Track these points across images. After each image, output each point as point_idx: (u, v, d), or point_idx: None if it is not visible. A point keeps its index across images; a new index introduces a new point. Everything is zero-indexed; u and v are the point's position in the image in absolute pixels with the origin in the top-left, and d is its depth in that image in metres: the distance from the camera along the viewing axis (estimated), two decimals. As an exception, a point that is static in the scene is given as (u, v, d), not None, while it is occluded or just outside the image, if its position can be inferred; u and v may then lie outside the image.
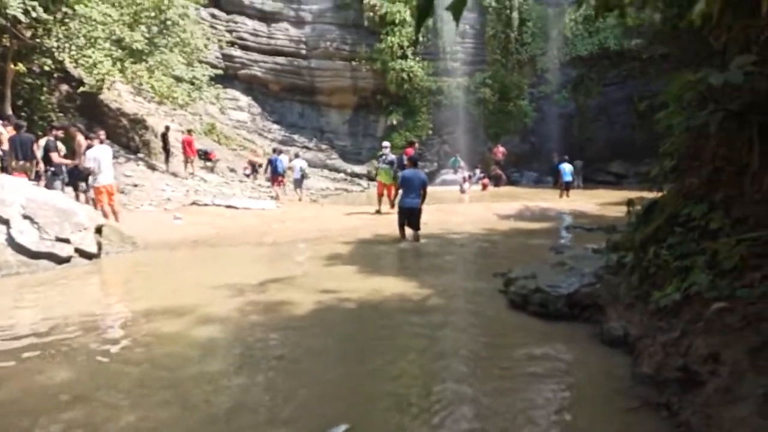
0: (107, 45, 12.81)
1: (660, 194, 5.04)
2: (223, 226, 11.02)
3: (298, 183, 18.65)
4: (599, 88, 29.63)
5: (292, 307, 5.11)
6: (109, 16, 12.74)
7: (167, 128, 19.31)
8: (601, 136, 29.62)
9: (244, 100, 27.94)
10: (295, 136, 28.57)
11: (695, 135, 4.18)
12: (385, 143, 13.25)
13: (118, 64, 13.12)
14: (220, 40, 26.08)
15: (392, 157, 12.89)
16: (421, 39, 28.00)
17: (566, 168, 18.75)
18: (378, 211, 12.87)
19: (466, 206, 14.51)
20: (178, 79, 15.81)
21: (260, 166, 22.42)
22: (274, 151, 20.03)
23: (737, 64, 3.02)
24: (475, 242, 9.54)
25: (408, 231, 9.55)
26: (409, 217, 9.44)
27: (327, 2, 28.43)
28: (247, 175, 22.65)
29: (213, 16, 26.52)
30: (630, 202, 4.78)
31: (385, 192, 13.13)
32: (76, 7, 12.36)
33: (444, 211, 13.04)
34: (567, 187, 18.66)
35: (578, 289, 4.55)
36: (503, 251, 8.56)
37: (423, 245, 9.40)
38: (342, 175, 27.80)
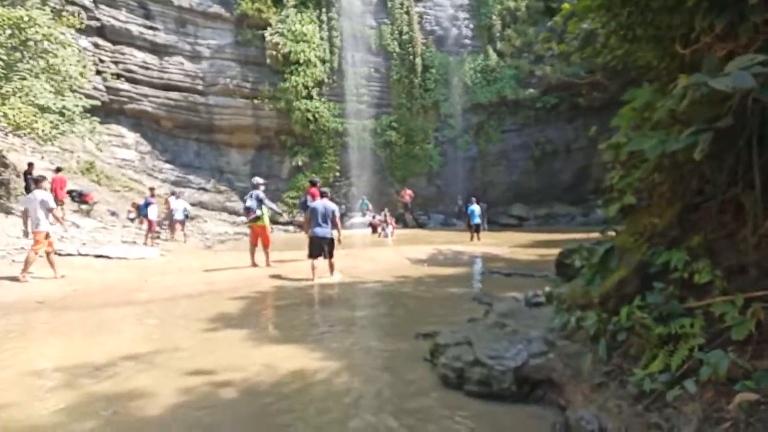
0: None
1: (604, 236, 4.33)
2: (86, 281, 9.01)
3: (181, 224, 17.26)
4: (499, 134, 30.86)
5: (143, 403, 3.62)
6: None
7: (30, 165, 16.57)
8: (502, 180, 30.64)
9: (131, 136, 25.36)
10: (191, 177, 26.34)
11: (655, 165, 3.47)
12: (255, 178, 11.29)
13: (-43, 87, 10.78)
14: (102, 72, 23.71)
15: (259, 194, 10.63)
16: (326, 80, 27.49)
17: (475, 210, 18.59)
18: (253, 264, 10.73)
19: (376, 251, 13.51)
20: (43, 109, 13.52)
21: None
22: (173, 193, 18.55)
23: (737, 65, 2.26)
24: (390, 292, 8.48)
25: (322, 265, 9.61)
26: (321, 245, 9.50)
27: (226, 38, 27.14)
28: (132, 219, 20.16)
29: (96, 45, 24.08)
30: (579, 249, 3.95)
31: (260, 240, 10.87)
32: None
33: (353, 256, 11.92)
34: (476, 229, 18.46)
35: (527, 361, 3.57)
36: (422, 302, 7.56)
37: (329, 296, 8.18)
38: (242, 218, 25.82)
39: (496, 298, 6.94)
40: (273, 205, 11.68)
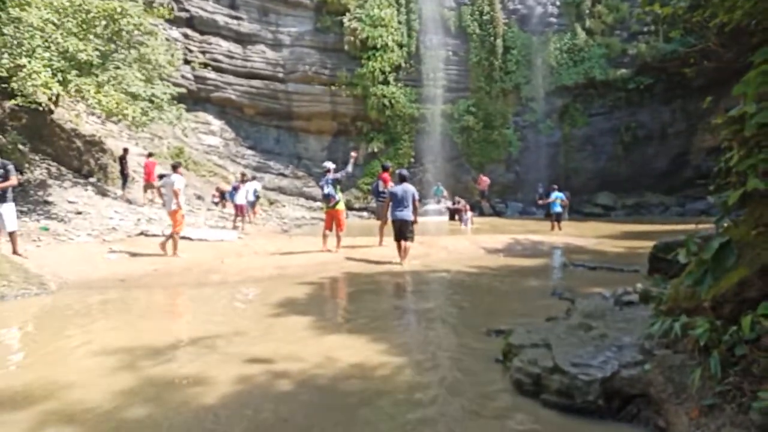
0: (47, 55, 11.26)
1: (719, 229, 3.64)
2: (167, 261, 9.37)
3: (250, 205, 17.55)
4: (585, 118, 28.95)
5: (199, 391, 3.51)
6: (51, 22, 11.25)
7: (125, 151, 17.72)
8: (587, 167, 28.78)
9: (217, 124, 26.47)
10: (271, 163, 27.10)
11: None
12: (326, 163, 11.13)
13: (59, 76, 11.54)
14: (191, 61, 24.83)
15: (333, 177, 10.54)
16: (403, 65, 27.09)
17: (556, 198, 17.49)
18: (325, 249, 10.69)
19: (450, 239, 13.04)
20: (134, 96, 14.28)
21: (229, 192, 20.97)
22: (244, 178, 18.87)
23: None
24: (462, 283, 8.04)
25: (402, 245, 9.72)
26: (401, 228, 9.66)
27: (306, 25, 27.46)
28: (216, 203, 21.06)
29: (186, 36, 25.28)
30: (688, 241, 3.32)
31: (334, 225, 10.77)
32: (11, 10, 10.87)
33: (426, 243, 11.54)
34: (557, 218, 17.37)
35: (618, 371, 3.04)
36: (495, 295, 7.07)
37: (398, 284, 7.90)
38: (319, 203, 26.27)
39: (579, 295, 6.31)
40: (345, 173, 11.19)
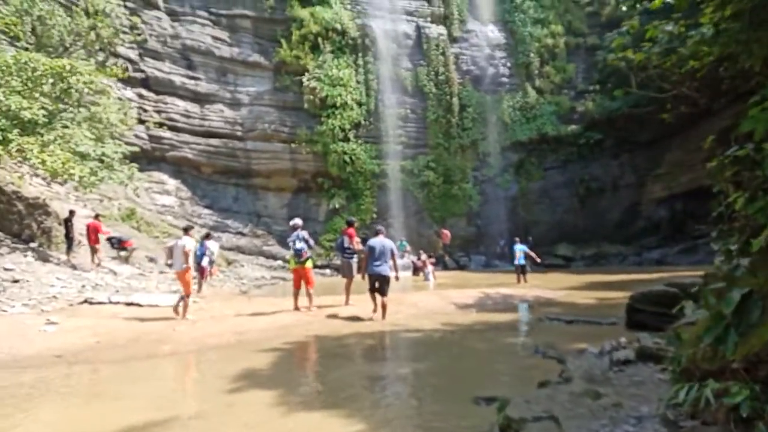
0: (-14, 113, 10.58)
1: (724, 273, 3.38)
2: (112, 331, 8.47)
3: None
4: (540, 171, 29.84)
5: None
6: (-10, 79, 10.66)
7: (71, 213, 16.63)
8: (545, 219, 29.36)
9: (172, 183, 25.66)
10: (228, 222, 26.26)
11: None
12: (295, 220, 10.87)
13: (-1, 135, 10.82)
14: (145, 121, 24.27)
15: (299, 234, 10.19)
16: (362, 122, 27.39)
17: (520, 250, 17.46)
18: (296, 308, 10.35)
19: (419, 295, 12.60)
20: (83, 156, 13.56)
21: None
22: (207, 236, 17.61)
23: None
24: (437, 343, 7.56)
25: (378, 300, 9.67)
26: (378, 282, 9.55)
27: (265, 84, 27.60)
28: (170, 266, 19.90)
29: (140, 96, 24.81)
30: (703, 292, 3.03)
31: (303, 283, 10.34)
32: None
33: (395, 301, 11.01)
34: (523, 271, 17.29)
35: (642, 449, 2.63)
36: (475, 355, 6.61)
37: (370, 347, 7.34)
38: (279, 262, 25.44)
39: (564, 352, 5.94)
40: (312, 245, 11.05)
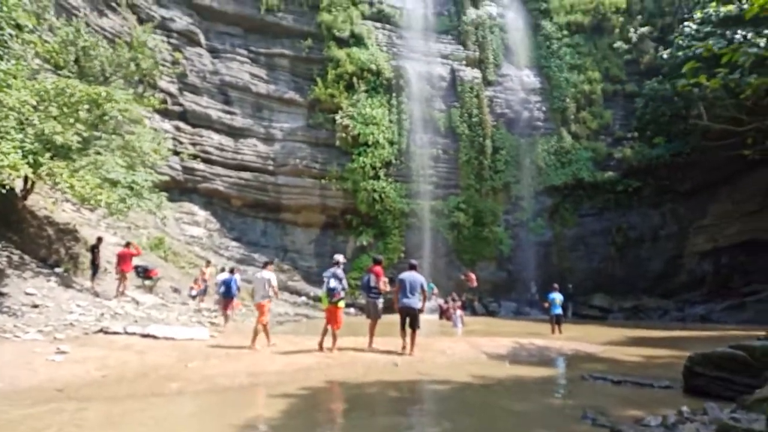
0: (19, 136, 10.61)
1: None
2: (121, 364, 8.01)
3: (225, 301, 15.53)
4: (575, 218, 28.88)
5: None
6: (27, 103, 10.73)
7: (99, 240, 16.61)
8: (581, 267, 28.19)
9: (202, 214, 25.75)
10: (255, 255, 26.02)
11: None
12: (337, 256, 10.44)
13: (30, 158, 10.80)
14: (180, 152, 24.61)
15: (335, 272, 9.81)
16: (393, 161, 27.20)
17: (556, 299, 16.47)
18: (320, 348, 9.83)
19: (447, 342, 11.79)
20: (113, 183, 13.54)
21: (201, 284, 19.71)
22: (231, 270, 17.12)
23: None
24: (468, 399, 6.80)
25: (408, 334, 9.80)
26: (408, 316, 9.70)
27: (299, 121, 27.89)
28: (193, 297, 19.63)
29: (177, 128, 25.30)
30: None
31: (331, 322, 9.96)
32: (-12, 89, 10.39)
33: (422, 347, 10.27)
34: (558, 320, 16.26)
35: None
36: (513, 418, 5.84)
37: (392, 399, 6.63)
38: (304, 298, 24.97)
39: (617, 420, 5.15)
40: (346, 286, 10.51)
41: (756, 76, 3.91)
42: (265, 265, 11.23)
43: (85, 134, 13.20)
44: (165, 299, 18.26)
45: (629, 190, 28.13)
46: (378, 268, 10.61)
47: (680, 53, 22.57)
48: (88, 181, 11.82)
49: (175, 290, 20.15)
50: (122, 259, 16.00)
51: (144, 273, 18.83)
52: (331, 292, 9.64)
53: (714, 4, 19.29)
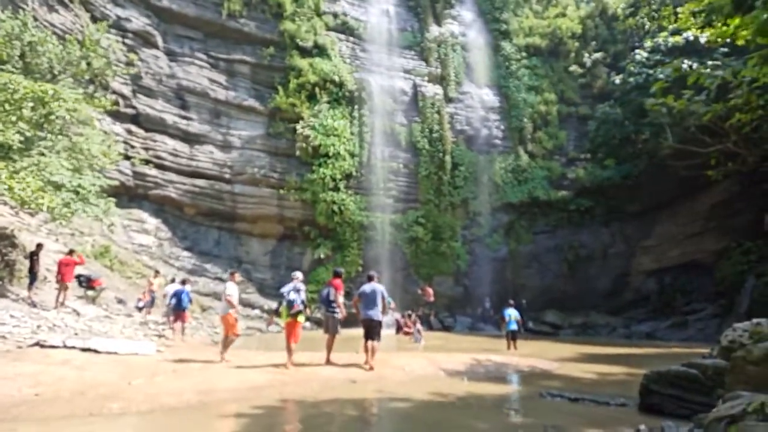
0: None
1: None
2: (57, 380, 7.41)
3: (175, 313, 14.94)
4: (530, 235, 29.52)
5: None
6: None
7: (39, 246, 15.56)
8: (534, 283, 28.75)
9: (152, 222, 24.69)
10: (208, 266, 25.18)
11: None
12: (295, 273, 10.30)
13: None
14: (131, 157, 23.62)
15: (296, 286, 9.72)
16: (354, 173, 27.04)
17: (511, 315, 16.63)
18: (285, 365, 9.47)
19: (406, 358, 11.62)
20: (57, 186, 12.75)
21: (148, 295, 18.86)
22: (183, 282, 16.34)
23: None
24: (428, 418, 6.64)
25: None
26: (370, 327, 9.77)
27: (258, 129, 27.35)
28: (140, 309, 18.68)
29: (129, 131, 24.26)
30: None
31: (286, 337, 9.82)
32: None
33: (380, 362, 10.06)
34: (513, 337, 16.40)
35: None
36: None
37: (350, 419, 6.39)
38: (257, 311, 24.25)
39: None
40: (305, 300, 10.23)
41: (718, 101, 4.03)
42: (231, 275, 11.14)
43: (28, 134, 12.41)
44: (109, 311, 17.28)
45: (581, 209, 29.03)
46: (338, 281, 10.38)
47: (631, 79, 23.71)
48: (29, 183, 11.06)
49: (120, 301, 19.14)
50: (64, 267, 15.06)
51: (87, 282, 17.76)
52: (290, 304, 9.50)
53: (664, 34, 20.46)
